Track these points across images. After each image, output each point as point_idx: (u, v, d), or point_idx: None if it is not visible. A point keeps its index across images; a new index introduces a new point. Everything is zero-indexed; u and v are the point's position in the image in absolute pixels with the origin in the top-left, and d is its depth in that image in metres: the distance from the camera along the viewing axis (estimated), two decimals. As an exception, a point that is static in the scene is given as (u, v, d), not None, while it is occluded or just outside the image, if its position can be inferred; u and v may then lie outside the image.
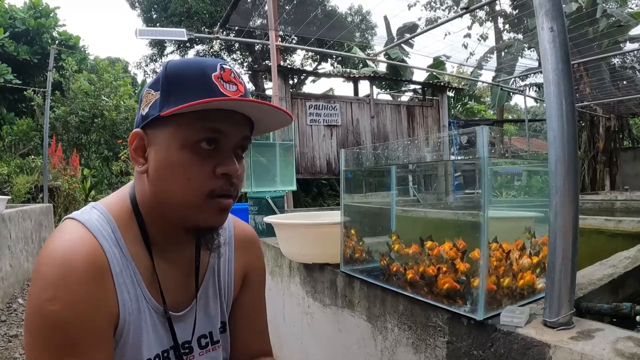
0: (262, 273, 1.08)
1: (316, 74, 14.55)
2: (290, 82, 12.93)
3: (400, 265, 1.35)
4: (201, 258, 0.91)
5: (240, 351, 0.99)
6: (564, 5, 1.10)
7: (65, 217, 0.81)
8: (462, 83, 14.65)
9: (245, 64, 20.33)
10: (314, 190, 9.73)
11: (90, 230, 0.75)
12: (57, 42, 12.99)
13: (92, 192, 9.91)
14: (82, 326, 0.69)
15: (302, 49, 15.07)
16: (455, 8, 17.25)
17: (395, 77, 12.11)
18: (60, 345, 0.67)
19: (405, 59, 13.48)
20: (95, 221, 0.77)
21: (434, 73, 12.81)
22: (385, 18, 14.41)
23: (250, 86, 19.30)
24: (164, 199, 0.78)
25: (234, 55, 20.26)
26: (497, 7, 15.73)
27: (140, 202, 0.82)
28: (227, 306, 0.98)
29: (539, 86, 13.28)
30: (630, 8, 11.92)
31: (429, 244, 1.29)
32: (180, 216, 0.78)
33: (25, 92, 10.86)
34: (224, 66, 0.78)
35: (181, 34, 6.22)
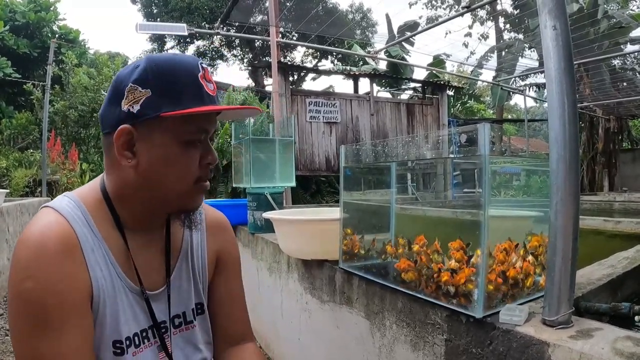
0: (236, 258, 1.13)
1: (316, 71, 14.48)
2: (290, 78, 12.93)
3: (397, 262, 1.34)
4: (174, 241, 0.97)
5: (221, 337, 1.05)
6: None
7: (42, 205, 0.87)
8: (462, 82, 14.62)
9: (245, 60, 20.31)
10: (313, 187, 9.68)
11: (61, 213, 0.82)
12: (57, 36, 12.91)
13: (91, 187, 9.87)
14: (57, 301, 0.74)
15: (302, 46, 15.06)
16: (456, 7, 17.24)
17: (396, 75, 12.08)
18: (38, 320, 0.73)
19: (406, 57, 13.46)
20: (65, 206, 0.84)
21: (434, 72, 12.80)
22: (387, 16, 14.42)
23: (249, 82, 19.28)
24: (157, 189, 0.85)
25: (234, 51, 20.24)
26: (499, 7, 15.73)
27: (113, 190, 0.88)
28: (204, 288, 1.03)
29: (539, 86, 13.29)
30: (632, 10, 11.94)
31: (416, 247, 1.30)
32: (169, 202, 0.87)
33: (24, 86, 10.79)
34: (203, 65, 0.87)
35: (181, 29, 6.19)
